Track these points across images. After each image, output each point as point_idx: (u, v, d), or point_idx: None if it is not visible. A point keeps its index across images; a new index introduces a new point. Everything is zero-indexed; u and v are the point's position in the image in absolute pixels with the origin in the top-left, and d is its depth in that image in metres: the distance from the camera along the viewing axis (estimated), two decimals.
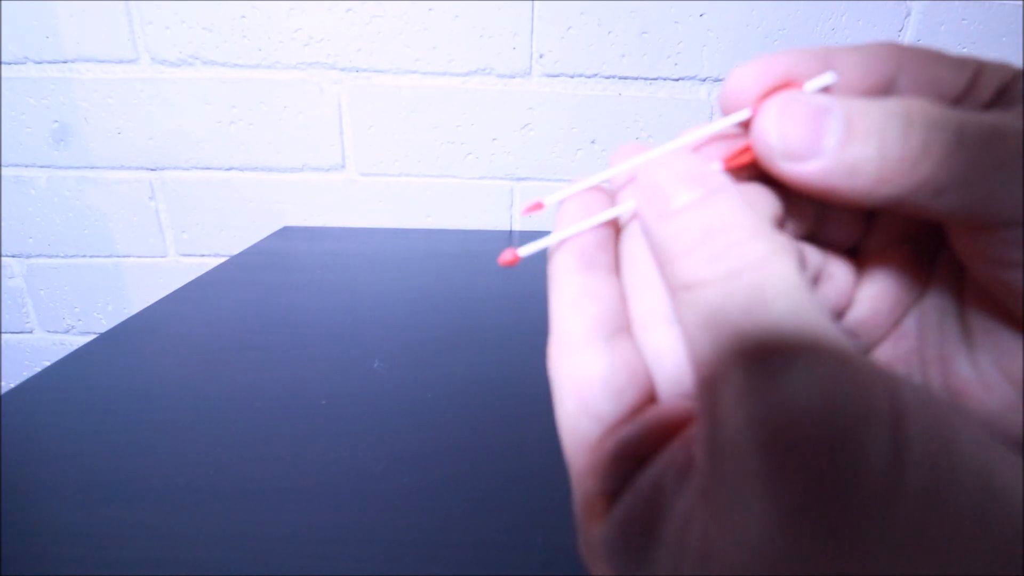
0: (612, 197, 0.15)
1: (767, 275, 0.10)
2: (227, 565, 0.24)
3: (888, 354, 0.16)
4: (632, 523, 0.12)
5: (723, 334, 0.10)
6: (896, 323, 0.17)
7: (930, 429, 0.09)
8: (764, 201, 0.15)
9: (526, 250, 0.15)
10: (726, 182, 0.12)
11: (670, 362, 0.13)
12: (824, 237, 0.17)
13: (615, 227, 0.15)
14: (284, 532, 0.26)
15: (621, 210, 0.15)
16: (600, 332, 0.13)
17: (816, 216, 0.16)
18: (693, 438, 0.12)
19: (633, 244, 0.15)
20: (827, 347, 0.09)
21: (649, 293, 0.14)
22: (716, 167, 0.14)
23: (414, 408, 0.36)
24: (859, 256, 0.17)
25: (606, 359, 0.13)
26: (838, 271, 0.16)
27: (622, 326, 0.14)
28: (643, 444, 0.12)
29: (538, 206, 0.16)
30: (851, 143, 0.12)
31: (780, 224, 0.15)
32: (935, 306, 0.16)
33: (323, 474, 0.29)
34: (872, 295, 0.16)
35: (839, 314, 0.17)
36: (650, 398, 0.14)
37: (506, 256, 0.15)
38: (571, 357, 0.13)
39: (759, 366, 0.09)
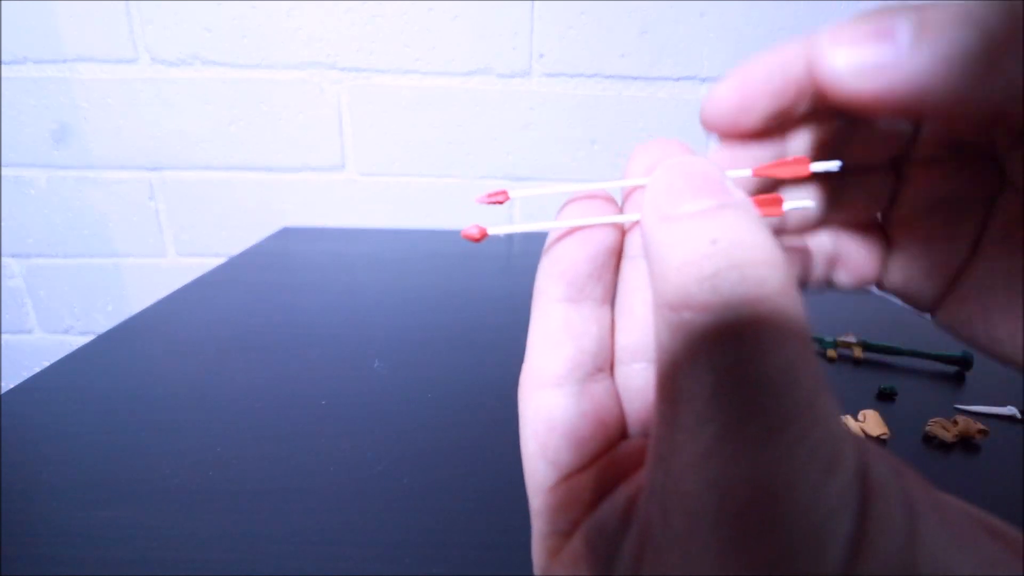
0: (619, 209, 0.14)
1: (770, 316, 0.09)
2: (227, 565, 0.24)
3: (951, 317, 0.16)
4: (580, 563, 0.12)
5: (699, 373, 0.09)
6: (948, 286, 0.16)
7: (893, 533, 0.08)
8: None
9: (496, 230, 0.14)
10: (745, 199, 0.10)
11: (642, 403, 0.13)
12: (844, 212, 0.16)
13: (616, 255, 0.14)
14: (284, 532, 0.26)
15: (624, 218, 0.13)
16: (574, 375, 0.13)
17: (834, 193, 0.16)
18: (640, 482, 0.12)
19: (630, 269, 0.14)
20: (819, 425, 0.08)
21: (635, 325, 0.13)
22: (744, 173, 0.14)
23: (414, 408, 0.36)
24: (890, 229, 0.17)
25: (574, 407, 0.12)
26: (856, 250, 0.17)
27: (601, 365, 0.13)
28: (595, 490, 0.12)
29: (502, 194, 0.14)
30: (924, 39, 0.11)
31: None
32: (990, 268, 0.15)
33: (323, 474, 0.29)
34: (904, 264, 0.16)
35: (869, 282, 0.17)
36: (615, 443, 0.13)
37: (471, 230, 0.14)
38: (539, 395, 0.13)
39: (735, 428, 0.08)
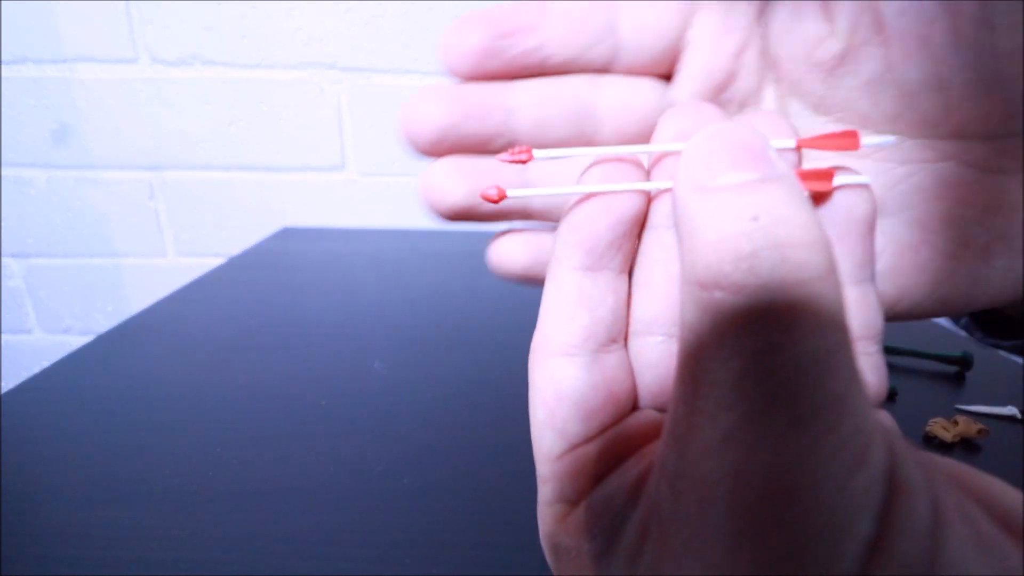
0: (647, 174, 0.14)
1: (808, 302, 0.08)
2: (227, 565, 0.24)
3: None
4: (584, 535, 0.12)
5: (726, 356, 0.08)
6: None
7: (915, 537, 0.08)
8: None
9: (516, 192, 0.13)
10: (789, 173, 0.10)
11: (655, 376, 0.13)
12: None
13: (639, 224, 0.13)
14: (284, 532, 0.26)
15: (651, 186, 0.13)
16: (587, 345, 0.12)
17: None
18: (651, 457, 0.12)
19: (652, 240, 0.13)
20: (849, 418, 0.08)
21: (654, 298, 0.13)
22: (788, 144, 0.13)
23: (414, 408, 0.36)
24: None
25: (585, 377, 0.12)
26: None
27: (615, 336, 0.13)
28: (603, 461, 0.12)
29: (525, 152, 0.13)
30: None
31: None
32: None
33: (323, 474, 0.29)
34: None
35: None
36: (625, 415, 0.13)
37: (489, 191, 0.13)
38: (550, 364, 0.12)
39: (759, 415, 0.08)
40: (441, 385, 0.38)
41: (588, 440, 0.12)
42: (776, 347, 0.08)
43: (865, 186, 0.13)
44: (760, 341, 0.08)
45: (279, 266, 0.63)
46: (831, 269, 0.09)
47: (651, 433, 0.13)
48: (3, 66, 0.70)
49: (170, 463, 0.30)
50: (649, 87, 0.15)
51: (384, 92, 0.73)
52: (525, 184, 0.16)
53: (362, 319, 0.49)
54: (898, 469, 0.09)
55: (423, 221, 0.79)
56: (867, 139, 0.13)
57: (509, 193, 0.13)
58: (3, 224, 0.77)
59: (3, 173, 0.75)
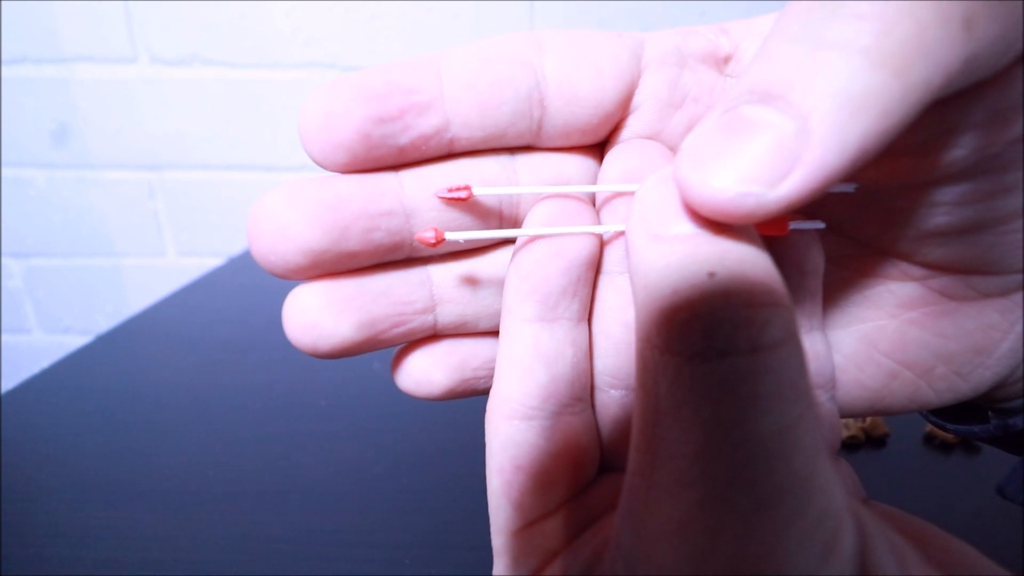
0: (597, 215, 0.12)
1: (769, 370, 0.07)
2: (227, 566, 0.24)
3: None
4: None
5: (684, 428, 0.08)
6: None
7: None
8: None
9: (455, 235, 0.11)
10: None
11: (618, 433, 0.12)
12: None
13: (594, 268, 0.12)
14: (284, 533, 0.26)
15: (603, 229, 0.12)
16: (546, 406, 0.11)
17: None
18: (607, 531, 0.11)
19: (607, 286, 0.12)
20: (817, 500, 0.08)
21: (613, 349, 0.12)
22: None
23: (414, 409, 0.36)
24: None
25: (544, 445, 0.11)
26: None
27: (579, 392, 0.12)
28: (562, 537, 0.11)
29: (464, 190, 0.11)
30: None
31: None
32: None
33: (323, 475, 0.29)
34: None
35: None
36: (588, 481, 0.12)
37: (425, 234, 0.11)
38: (507, 428, 0.11)
39: (721, 496, 0.07)
40: None
41: (546, 515, 0.11)
42: (737, 421, 0.07)
43: (818, 228, 0.12)
44: (720, 413, 0.07)
45: None
46: (793, 332, 0.08)
47: (613, 503, 0.11)
48: (3, 66, 0.70)
49: (170, 463, 0.30)
50: (575, 166, 0.13)
51: None
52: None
53: None
54: (869, 554, 0.08)
55: None
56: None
57: (447, 236, 0.11)
58: (3, 224, 0.77)
59: (3, 173, 0.74)
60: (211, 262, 0.78)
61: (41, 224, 0.77)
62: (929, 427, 0.33)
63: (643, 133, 0.13)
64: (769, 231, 0.12)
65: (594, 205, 0.13)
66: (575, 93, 0.12)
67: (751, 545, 0.07)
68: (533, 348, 0.11)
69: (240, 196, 0.77)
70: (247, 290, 0.55)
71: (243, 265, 0.63)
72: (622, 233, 0.12)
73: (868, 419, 0.33)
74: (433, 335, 0.14)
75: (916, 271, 0.13)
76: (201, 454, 0.31)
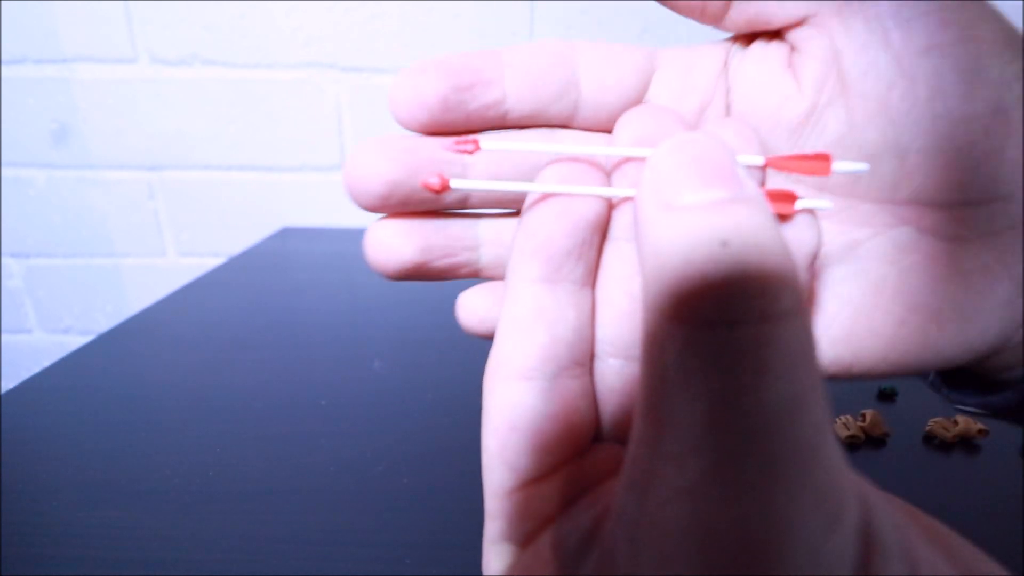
0: (608, 177, 0.13)
1: (779, 340, 0.08)
2: (227, 565, 0.24)
3: None
4: None
5: (692, 396, 0.08)
6: None
7: None
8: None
9: (460, 183, 0.13)
10: (758, 193, 0.09)
11: (616, 403, 0.12)
12: None
13: (601, 233, 0.12)
14: (284, 533, 0.26)
15: (613, 192, 0.12)
16: (545, 368, 0.11)
17: None
18: (608, 500, 0.11)
19: (613, 253, 0.12)
20: (823, 471, 0.08)
21: (614, 318, 0.12)
22: (756, 161, 0.12)
23: (414, 409, 0.36)
24: None
25: (541, 406, 0.11)
26: None
27: (578, 358, 0.12)
28: (557, 502, 0.11)
29: (472, 143, 0.13)
30: None
31: None
32: None
33: (323, 475, 0.29)
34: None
35: None
36: (584, 448, 0.12)
37: (431, 179, 0.12)
38: (505, 388, 0.11)
39: (728, 464, 0.07)
40: (441, 385, 0.38)
41: (541, 477, 0.11)
42: (746, 389, 0.07)
43: (813, 211, 0.12)
44: (729, 382, 0.07)
45: (279, 266, 0.63)
46: (803, 304, 0.08)
47: (611, 470, 0.12)
48: (3, 66, 0.70)
49: (170, 463, 0.30)
50: (602, 144, 0.15)
51: (384, 92, 0.73)
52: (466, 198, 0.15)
53: (362, 319, 0.49)
54: (872, 526, 0.08)
55: None
56: (838, 164, 0.12)
57: (453, 184, 0.13)
58: (3, 224, 0.77)
59: (3, 173, 0.74)
60: (211, 262, 0.78)
61: (41, 224, 0.77)
62: (929, 427, 0.33)
63: None
64: (776, 211, 0.12)
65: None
66: (602, 81, 0.14)
67: (756, 513, 0.07)
68: (535, 308, 0.12)
69: (240, 196, 0.77)
70: (247, 290, 0.55)
71: (243, 265, 0.63)
72: (631, 198, 0.12)
73: (868, 418, 0.33)
74: (476, 271, 0.16)
75: (907, 212, 0.14)
76: (201, 454, 0.31)
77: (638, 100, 0.15)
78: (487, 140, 0.13)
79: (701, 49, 0.16)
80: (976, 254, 0.13)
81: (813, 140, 0.14)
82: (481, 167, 0.14)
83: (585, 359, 0.12)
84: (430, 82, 0.13)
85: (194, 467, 0.30)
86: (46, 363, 0.39)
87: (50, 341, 0.83)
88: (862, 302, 0.14)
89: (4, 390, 0.36)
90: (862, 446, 0.32)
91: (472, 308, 0.16)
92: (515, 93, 0.14)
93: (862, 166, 0.12)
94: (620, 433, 0.12)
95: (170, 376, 0.39)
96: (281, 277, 0.59)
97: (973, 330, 0.13)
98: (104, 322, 0.82)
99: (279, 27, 0.70)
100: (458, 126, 0.14)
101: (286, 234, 0.75)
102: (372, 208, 0.14)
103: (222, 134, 0.74)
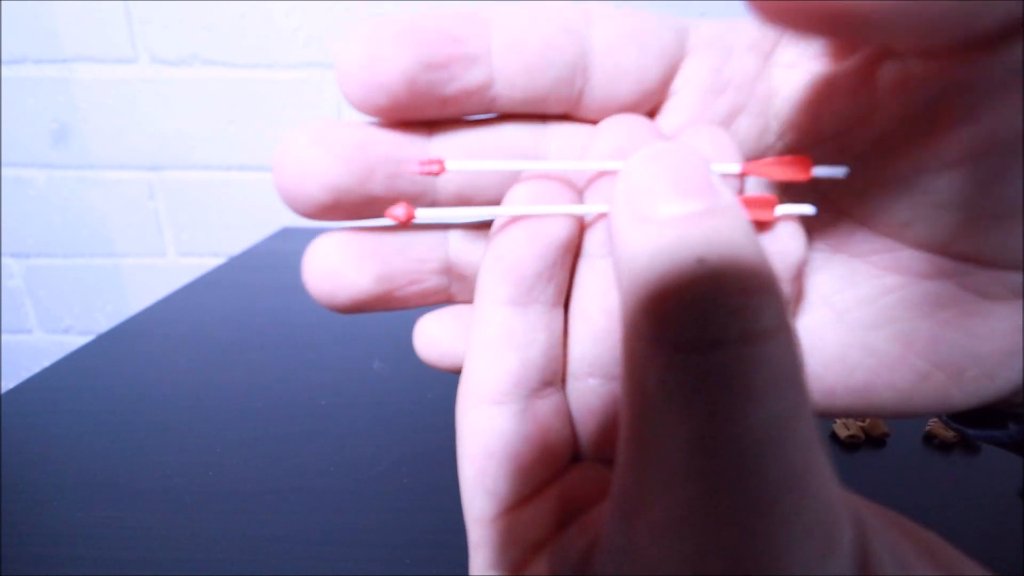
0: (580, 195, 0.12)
1: (763, 359, 0.07)
2: (227, 566, 0.24)
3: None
4: None
5: (676, 421, 0.07)
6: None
7: None
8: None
9: (426, 213, 0.11)
10: (734, 202, 0.08)
11: (595, 423, 0.12)
12: None
13: (573, 252, 0.12)
14: (283, 533, 0.26)
15: (585, 209, 0.11)
16: (517, 391, 0.11)
17: None
18: (597, 531, 0.10)
19: (587, 270, 0.12)
20: (815, 495, 0.07)
21: (591, 337, 0.11)
22: (731, 168, 0.11)
23: (414, 409, 0.36)
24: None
25: (515, 429, 0.11)
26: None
27: (550, 378, 0.11)
28: (542, 527, 0.11)
29: (436, 163, 0.11)
30: None
31: None
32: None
33: (323, 474, 0.29)
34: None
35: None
36: (563, 468, 0.12)
37: (396, 211, 0.11)
38: (478, 413, 0.11)
39: (717, 492, 0.07)
40: (441, 386, 0.38)
41: (524, 501, 0.11)
42: (731, 413, 0.07)
43: (800, 217, 0.11)
44: (712, 406, 0.07)
45: (279, 266, 0.63)
46: (784, 319, 0.08)
47: (595, 493, 0.11)
48: (3, 66, 0.70)
49: (170, 463, 0.30)
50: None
51: None
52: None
53: (362, 319, 0.49)
54: (867, 546, 0.08)
55: None
56: (818, 169, 0.12)
57: (418, 215, 0.11)
58: (3, 224, 0.77)
59: (3, 173, 0.74)
60: (211, 262, 0.78)
61: (41, 224, 0.77)
62: (929, 427, 0.33)
63: (682, 118, 0.12)
64: (755, 218, 0.11)
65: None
66: (618, 67, 0.11)
67: (748, 544, 0.07)
68: (504, 332, 0.11)
69: (240, 196, 0.77)
70: (247, 290, 0.55)
71: (243, 265, 0.63)
72: (606, 215, 0.11)
73: (868, 420, 0.33)
74: (449, 297, 0.13)
75: (953, 266, 0.12)
76: (201, 454, 0.31)
77: (659, 92, 0.12)
78: (452, 163, 0.11)
79: (741, 28, 0.13)
80: (1014, 314, 0.12)
81: (875, 174, 0.12)
82: (451, 174, 0.12)
83: (556, 378, 0.12)
84: (392, 54, 0.10)
85: (194, 467, 0.30)
86: (46, 363, 0.39)
87: (50, 341, 0.83)
88: (888, 353, 0.13)
89: (4, 390, 0.36)
90: (862, 446, 0.32)
91: (432, 338, 0.13)
92: (505, 75, 0.11)
93: (841, 171, 0.11)
94: (602, 453, 0.12)
95: (170, 376, 0.39)
96: (281, 277, 0.59)
97: (992, 387, 0.13)
98: (104, 322, 0.82)
99: (279, 27, 0.70)
100: (430, 112, 0.11)
101: (286, 234, 0.75)
102: (313, 218, 0.11)
103: (222, 134, 0.74)
